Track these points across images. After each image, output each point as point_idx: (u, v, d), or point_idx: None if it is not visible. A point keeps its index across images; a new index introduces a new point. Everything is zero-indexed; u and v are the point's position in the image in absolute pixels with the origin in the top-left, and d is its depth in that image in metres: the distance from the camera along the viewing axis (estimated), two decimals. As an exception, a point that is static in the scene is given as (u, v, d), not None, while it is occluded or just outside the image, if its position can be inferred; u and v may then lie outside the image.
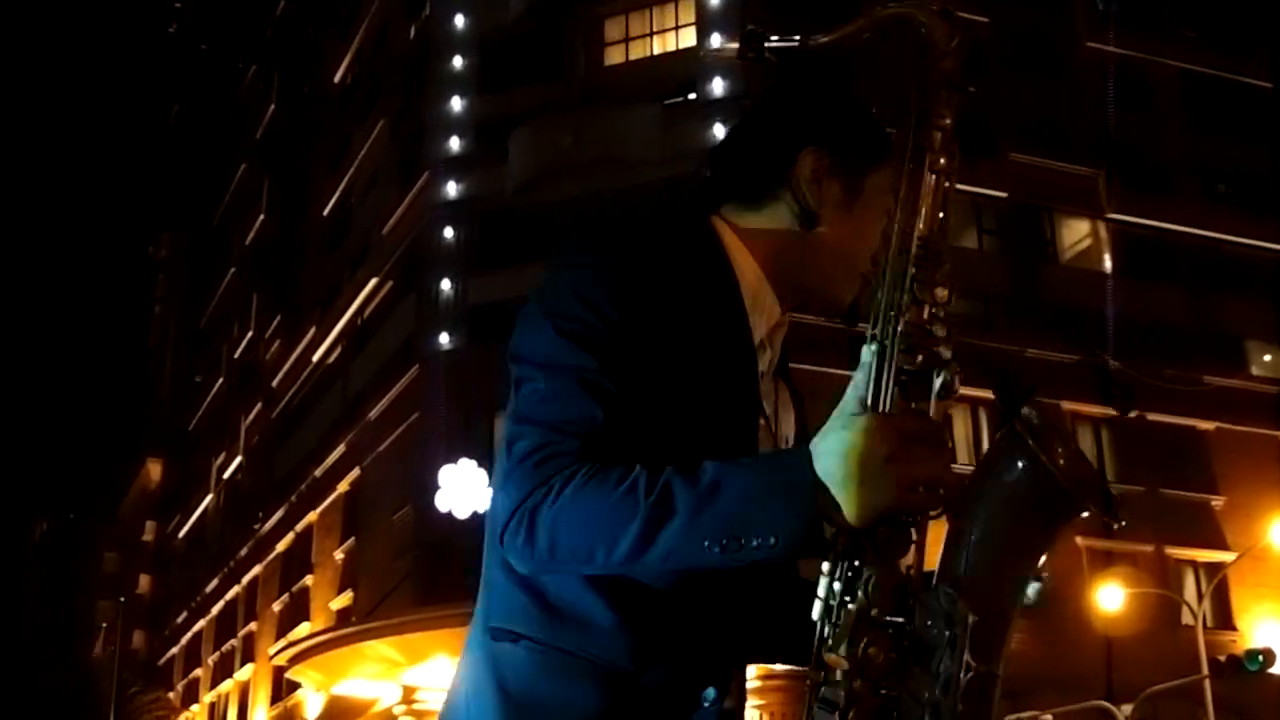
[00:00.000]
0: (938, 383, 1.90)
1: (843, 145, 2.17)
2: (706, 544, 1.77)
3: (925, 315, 1.92)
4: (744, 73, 30.41)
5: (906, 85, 2.04)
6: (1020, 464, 1.87)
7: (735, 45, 2.09)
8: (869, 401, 1.87)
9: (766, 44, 2.08)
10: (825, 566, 1.87)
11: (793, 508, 1.78)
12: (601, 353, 1.90)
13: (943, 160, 1.97)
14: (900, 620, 1.84)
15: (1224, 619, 30.62)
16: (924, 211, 1.95)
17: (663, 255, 2.02)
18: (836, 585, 1.85)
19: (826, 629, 1.85)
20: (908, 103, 2.01)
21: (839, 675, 1.83)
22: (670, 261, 2.02)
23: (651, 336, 1.93)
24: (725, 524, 1.77)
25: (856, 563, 1.84)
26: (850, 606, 1.83)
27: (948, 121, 1.98)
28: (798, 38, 2.06)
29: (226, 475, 52.02)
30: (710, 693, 2.00)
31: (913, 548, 1.88)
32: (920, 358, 1.90)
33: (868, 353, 1.92)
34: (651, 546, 1.78)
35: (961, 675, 1.82)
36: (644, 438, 1.86)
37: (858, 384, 1.89)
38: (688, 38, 33.02)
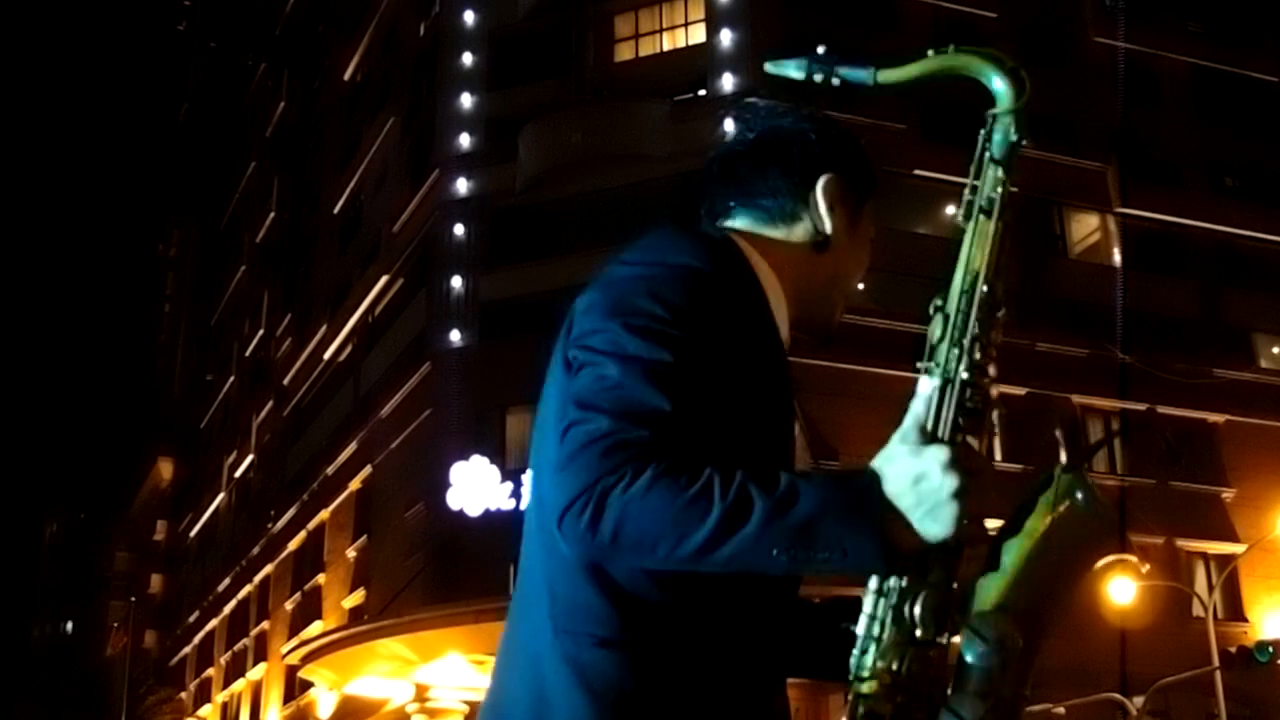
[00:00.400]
0: (989, 419, 1.99)
1: (852, 175, 2.26)
2: (775, 552, 1.81)
3: (983, 356, 2.00)
4: (753, 69, 30.45)
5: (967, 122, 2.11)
6: (1080, 507, 1.97)
7: (801, 62, 2.15)
8: (931, 432, 1.94)
9: (837, 69, 2.14)
10: (873, 583, 1.95)
11: (863, 526, 1.84)
12: (672, 349, 1.91)
13: (1009, 212, 2.06)
14: (943, 640, 1.93)
15: (1234, 611, 30.66)
16: (992, 258, 2.03)
17: (719, 263, 2.06)
18: (883, 601, 1.93)
19: (870, 643, 1.93)
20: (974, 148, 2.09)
21: (882, 688, 1.91)
22: (726, 269, 2.06)
23: (713, 340, 1.96)
24: (796, 535, 1.81)
25: (903, 582, 1.92)
26: (896, 623, 1.92)
27: (1010, 179, 2.07)
28: (867, 71, 2.13)
29: (238, 474, 52.08)
30: None
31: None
32: (974, 394, 1.98)
33: (928, 383, 1.98)
34: (721, 547, 1.80)
35: (1010, 699, 1.91)
36: (703, 437, 1.88)
37: (918, 413, 1.95)
38: (697, 34, 33.08)
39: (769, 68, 2.19)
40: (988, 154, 2.08)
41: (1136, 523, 29.97)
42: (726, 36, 32.13)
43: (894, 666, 1.91)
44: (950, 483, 1.84)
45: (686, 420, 1.88)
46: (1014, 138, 2.07)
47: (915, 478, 1.85)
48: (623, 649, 1.90)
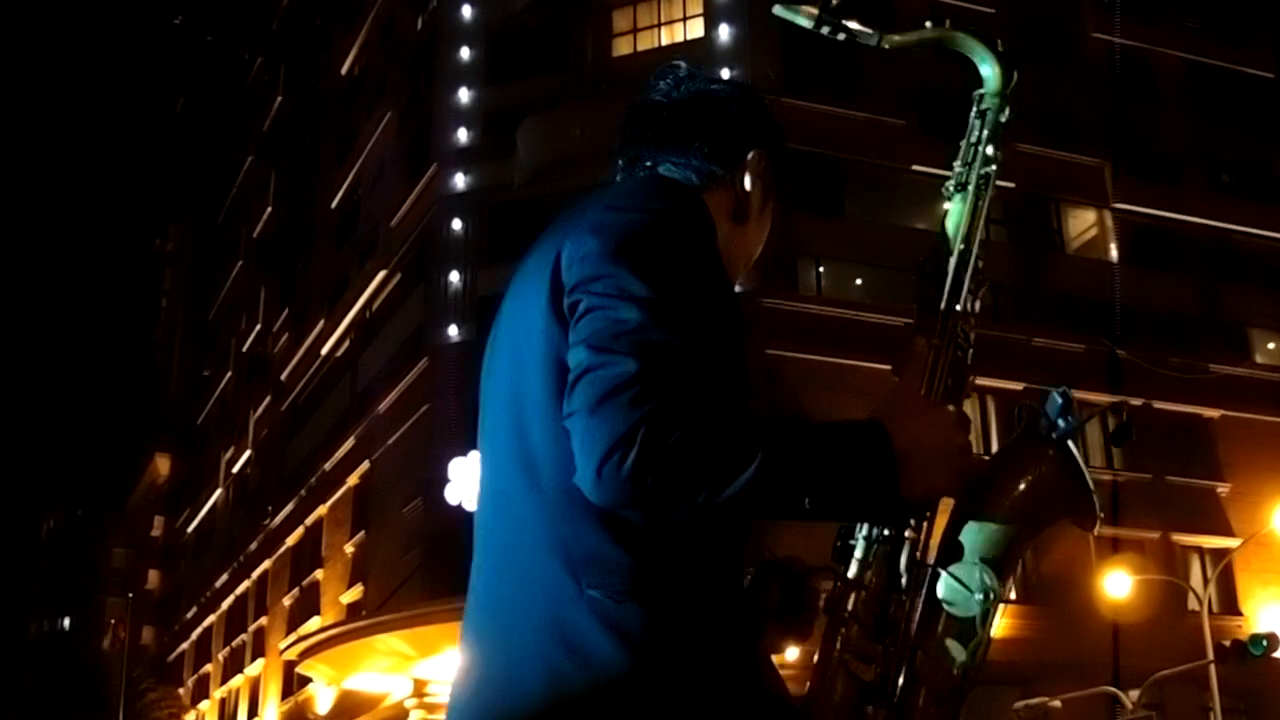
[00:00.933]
0: (970, 382, 2.11)
1: (775, 154, 2.31)
2: (806, 500, 1.87)
3: (968, 322, 2.14)
4: (750, 65, 30.47)
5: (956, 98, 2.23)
6: (1060, 473, 2.08)
7: (811, 11, 2.21)
8: (928, 391, 2.05)
9: (845, 24, 2.21)
10: (863, 530, 2.05)
11: (884, 478, 1.92)
12: (682, 291, 1.93)
13: (991, 191, 2.20)
14: (922, 588, 2.02)
15: (1229, 604, 30.74)
16: (978, 231, 2.17)
17: (700, 211, 2.10)
18: (875, 549, 2.03)
19: (860, 588, 2.02)
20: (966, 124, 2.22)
21: (870, 631, 2.00)
22: (706, 216, 2.10)
23: (706, 283, 2.00)
24: (826, 484, 1.89)
25: (889, 532, 2.03)
26: (883, 570, 2.02)
27: (1000, 156, 2.21)
28: (873, 31, 2.21)
29: (235, 469, 52.05)
30: None
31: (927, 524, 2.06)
32: (958, 359, 2.11)
33: (922, 342, 2.10)
34: (758, 495, 1.84)
35: (987, 643, 2.03)
36: (716, 378, 1.92)
37: (914, 373, 2.07)
38: (695, 29, 33.09)
39: (778, 11, 2.23)
40: (978, 133, 2.20)
41: (1132, 517, 30.05)
42: (725, 31, 32.15)
43: (878, 611, 2.00)
44: (956, 439, 1.97)
45: (705, 361, 1.90)
46: (1003, 119, 2.21)
47: (926, 433, 1.95)
48: (649, 600, 1.90)
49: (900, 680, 2.00)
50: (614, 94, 32.07)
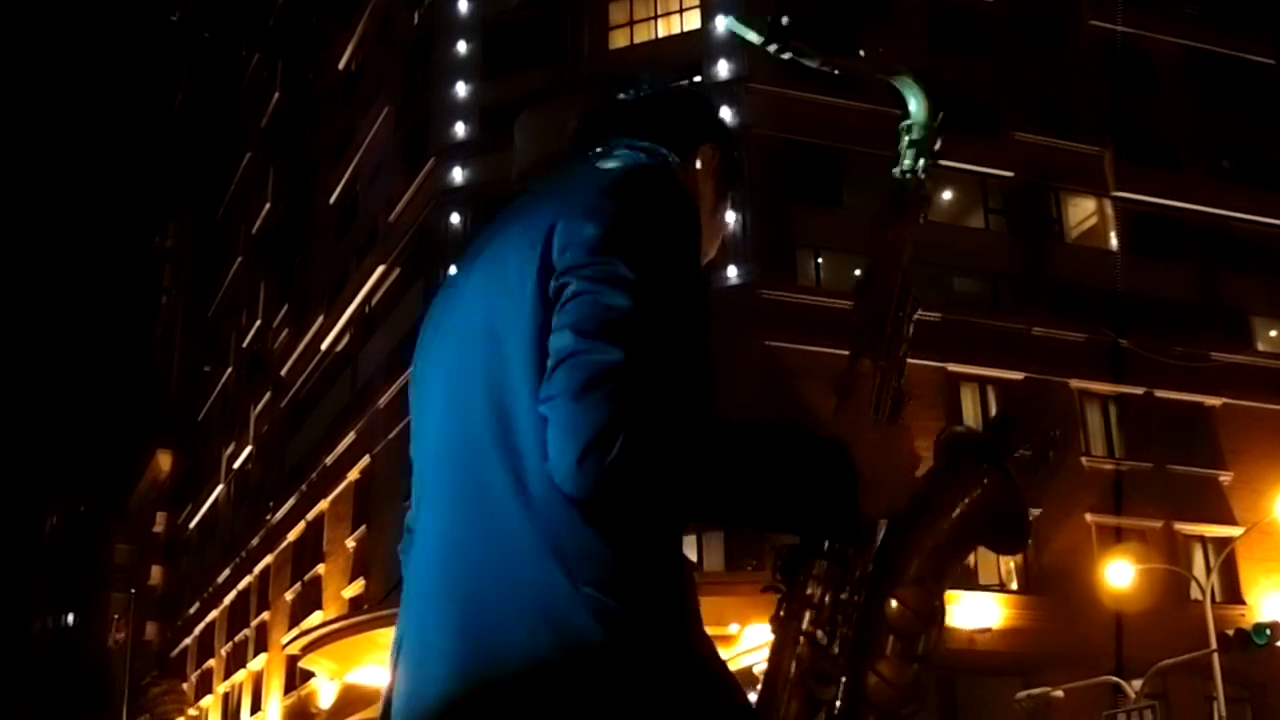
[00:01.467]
0: (907, 400, 2.14)
1: (727, 153, 2.31)
2: (768, 512, 1.88)
3: (906, 343, 2.17)
4: (747, 56, 30.43)
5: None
6: (999, 497, 2.11)
7: (763, 28, 2.19)
8: (878, 411, 2.06)
9: (791, 44, 2.19)
10: (809, 548, 2.03)
11: (842, 495, 1.90)
12: (676, 281, 1.90)
13: (920, 218, 2.24)
14: (865, 606, 2.02)
15: (1232, 593, 30.68)
16: (909, 256, 2.21)
17: (689, 199, 2.06)
18: (830, 566, 2.01)
19: (815, 606, 2.01)
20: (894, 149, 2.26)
21: (823, 647, 1.99)
22: (694, 205, 2.06)
23: (693, 278, 1.96)
24: (787, 497, 1.88)
25: (833, 550, 2.02)
26: (836, 587, 2.01)
27: (924, 186, 2.26)
28: (814, 57, 2.21)
29: (237, 465, 52.14)
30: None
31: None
32: (900, 378, 2.13)
33: (868, 364, 2.10)
34: (725, 500, 1.84)
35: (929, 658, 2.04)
36: (699, 369, 1.90)
37: (864, 392, 2.07)
38: (692, 20, 33.05)
39: (731, 24, 2.23)
40: (910, 162, 2.25)
41: (1134, 506, 30.03)
42: (721, 23, 32.08)
43: (830, 628, 1.99)
44: (911, 460, 1.98)
45: (690, 355, 1.88)
46: (936, 149, 2.26)
47: (884, 454, 1.95)
48: (635, 592, 1.85)
49: (849, 699, 2.00)
50: (610, 87, 32.05)
